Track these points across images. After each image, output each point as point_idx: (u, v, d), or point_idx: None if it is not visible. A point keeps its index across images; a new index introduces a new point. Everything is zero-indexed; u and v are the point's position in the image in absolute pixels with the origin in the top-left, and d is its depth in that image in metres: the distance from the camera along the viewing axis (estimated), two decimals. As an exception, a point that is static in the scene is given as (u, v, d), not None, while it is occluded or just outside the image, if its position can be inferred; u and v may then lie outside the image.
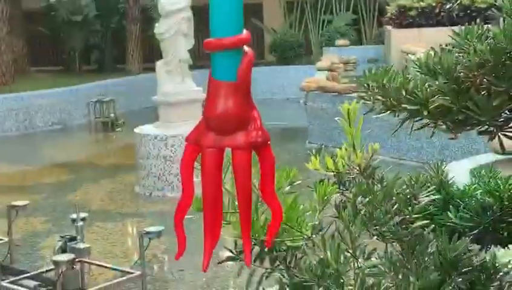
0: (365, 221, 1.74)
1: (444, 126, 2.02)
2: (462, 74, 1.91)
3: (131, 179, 10.24)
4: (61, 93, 15.83)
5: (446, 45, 2.11)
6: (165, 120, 9.66)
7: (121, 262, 6.89)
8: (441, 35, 15.61)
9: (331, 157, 2.05)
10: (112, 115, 14.48)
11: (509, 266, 1.90)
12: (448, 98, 1.88)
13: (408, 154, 10.57)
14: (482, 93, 1.90)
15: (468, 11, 14.85)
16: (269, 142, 1.25)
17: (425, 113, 1.99)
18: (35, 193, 10.08)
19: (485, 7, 14.40)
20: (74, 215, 6.31)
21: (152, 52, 19.51)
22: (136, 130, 9.86)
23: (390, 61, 16.00)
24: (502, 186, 2.32)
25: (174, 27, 9.45)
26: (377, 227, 1.75)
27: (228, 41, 1.20)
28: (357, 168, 1.88)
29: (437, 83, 1.92)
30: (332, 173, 1.89)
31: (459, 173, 6.86)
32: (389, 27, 16.27)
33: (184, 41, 9.60)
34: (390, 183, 1.89)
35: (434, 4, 15.15)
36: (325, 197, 1.79)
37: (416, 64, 2.04)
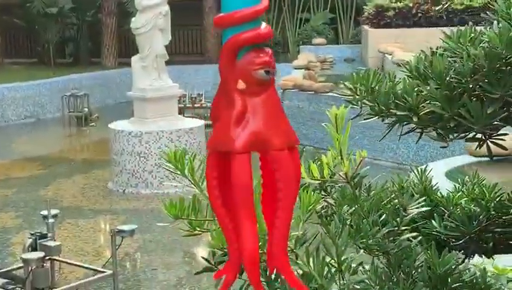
0: (352, 233, 1.66)
1: (434, 133, 1.94)
2: (454, 79, 1.83)
3: (105, 175, 10.09)
4: (35, 86, 15.58)
5: (437, 48, 2.03)
6: (140, 116, 9.52)
7: (93, 260, 6.77)
8: (418, 36, 15.71)
9: (314, 162, 1.96)
10: (86, 109, 14.28)
11: (500, 283, 1.84)
12: (439, 104, 1.81)
13: (384, 155, 10.55)
14: (475, 100, 1.82)
15: (445, 13, 14.91)
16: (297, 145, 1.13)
17: (415, 119, 1.91)
18: (6, 187, 9.89)
19: (461, 9, 14.46)
20: (45, 212, 6.16)
21: (128, 47, 19.30)
22: (110, 125, 9.71)
23: (367, 60, 16.01)
24: (487, 195, 2.25)
25: (151, 22, 9.32)
26: (364, 240, 1.67)
27: (241, 14, 1.06)
28: (344, 176, 1.80)
29: (428, 88, 1.84)
30: (317, 181, 1.80)
31: (436, 175, 6.84)
32: (366, 27, 16.28)
33: (161, 37, 9.48)
34: (378, 194, 1.81)
35: (411, 5, 15.18)
36: (310, 207, 1.70)
37: (406, 68, 1.96)
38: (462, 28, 2.10)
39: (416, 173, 2.35)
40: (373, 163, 9.62)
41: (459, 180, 2.37)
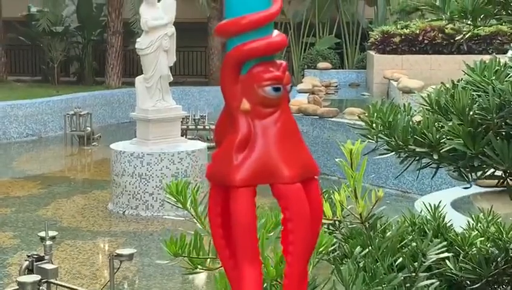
0: (367, 280, 1.53)
1: (456, 172, 1.83)
2: (478, 115, 1.72)
3: (105, 195, 9.97)
4: (37, 104, 15.51)
5: (458, 81, 1.92)
6: (142, 137, 9.42)
7: (90, 284, 6.63)
8: (424, 63, 15.64)
9: (325, 197, 1.84)
10: (88, 128, 14.19)
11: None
12: (462, 141, 1.69)
13: (388, 182, 10.42)
14: (501, 138, 1.70)
15: (452, 40, 14.86)
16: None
17: (435, 156, 1.80)
18: (5, 206, 9.77)
19: (468, 37, 14.38)
20: (43, 233, 6.03)
21: (132, 67, 19.27)
22: (112, 145, 9.60)
23: (372, 86, 15.94)
24: (505, 234, 2.13)
25: (156, 43, 9.26)
26: (379, 287, 1.54)
27: (248, 20, 0.92)
28: (359, 217, 1.68)
29: (450, 124, 1.73)
30: (330, 221, 1.68)
31: (441, 205, 6.70)
32: (372, 52, 16.23)
33: (166, 58, 9.41)
34: (394, 237, 1.69)
35: (417, 32, 15.14)
36: (321, 249, 1.58)
37: (426, 101, 1.85)
38: (486, 60, 1.99)
39: (429, 208, 2.24)
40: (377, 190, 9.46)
41: (473, 216, 2.25)
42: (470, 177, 1.82)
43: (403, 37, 15.21)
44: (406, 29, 15.32)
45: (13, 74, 20.23)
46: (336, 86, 17.17)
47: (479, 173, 1.75)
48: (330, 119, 11.40)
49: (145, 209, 9.08)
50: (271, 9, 0.94)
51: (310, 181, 0.95)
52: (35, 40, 19.96)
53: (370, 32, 17.07)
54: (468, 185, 1.74)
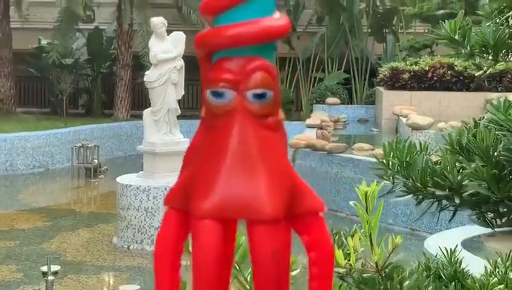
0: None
1: (478, 217, 1.71)
2: (503, 156, 1.61)
3: (110, 229, 9.85)
4: (45, 136, 15.48)
5: (480, 119, 1.81)
6: (149, 170, 9.33)
7: (93, 321, 6.47)
8: (433, 99, 15.55)
9: (338, 244, 1.73)
10: (95, 161, 14.13)
11: None
12: (486, 184, 1.58)
13: (397, 220, 10.26)
14: (528, 181, 1.59)
15: (461, 77, 14.81)
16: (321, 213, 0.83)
17: (457, 200, 1.68)
18: (9, 239, 9.65)
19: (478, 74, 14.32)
20: (45, 268, 5.92)
21: (141, 99, 19.29)
22: (118, 179, 9.51)
23: (381, 122, 15.85)
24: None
25: (164, 76, 9.23)
26: None
27: (236, 32, 0.76)
28: (375, 265, 1.56)
29: (472, 165, 1.62)
30: (343, 270, 1.57)
31: (452, 244, 6.55)
32: (381, 88, 16.18)
33: (174, 91, 9.37)
34: (412, 288, 1.57)
35: (426, 68, 15.10)
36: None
37: (447, 141, 1.74)
38: (496, 98, 1.88)
39: (445, 253, 2.12)
40: (387, 228, 9.34)
41: (490, 261, 2.13)
42: (495, 223, 1.70)
43: (412, 73, 15.17)
44: (416, 65, 15.28)
45: (21, 106, 20.27)
46: (345, 122, 17.09)
47: (504, 219, 1.63)
48: (338, 154, 11.28)
49: (150, 243, 8.94)
50: (276, 20, 0.79)
51: (251, 224, 0.77)
52: (44, 72, 20.04)
53: (379, 68, 17.05)
54: (493, 232, 1.61)
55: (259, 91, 0.77)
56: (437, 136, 10.89)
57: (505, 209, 1.63)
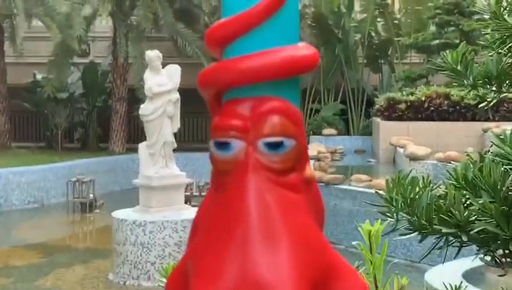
0: None
1: (488, 256, 1.63)
2: (512, 192, 1.53)
3: (106, 265, 9.69)
4: (40, 171, 15.37)
5: (485, 153, 1.74)
6: (145, 204, 9.22)
7: None
8: (430, 130, 15.55)
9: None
10: (91, 195, 14.01)
11: None
12: (494, 221, 1.50)
13: (396, 251, 10.13)
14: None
15: (457, 107, 14.81)
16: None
17: (465, 238, 1.60)
18: (4, 276, 9.51)
19: (474, 104, 14.34)
20: (39, 308, 5.77)
21: (137, 133, 19.23)
22: (113, 213, 9.39)
23: (378, 153, 15.80)
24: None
25: (160, 109, 9.17)
26: None
27: (250, 64, 0.63)
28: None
29: (480, 201, 1.54)
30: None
31: (453, 276, 6.44)
32: (377, 119, 16.16)
33: (170, 124, 9.30)
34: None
35: (423, 98, 15.10)
36: None
37: (452, 176, 1.67)
38: (493, 127, 1.80)
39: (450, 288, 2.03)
40: (385, 260, 9.18)
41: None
42: (505, 261, 1.62)
43: (408, 103, 15.16)
44: (412, 96, 15.29)
45: (16, 141, 20.18)
46: (342, 153, 17.04)
47: (515, 258, 1.55)
48: (336, 186, 11.20)
49: (146, 279, 8.80)
50: (301, 51, 0.65)
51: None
52: (39, 107, 20.01)
53: (375, 99, 17.04)
54: (503, 273, 1.53)
55: (272, 139, 0.63)
56: (435, 167, 10.82)
57: (515, 248, 1.54)
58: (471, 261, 6.37)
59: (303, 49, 0.65)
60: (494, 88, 1.94)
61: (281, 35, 0.64)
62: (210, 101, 0.67)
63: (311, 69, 0.67)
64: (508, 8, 1.86)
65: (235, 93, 0.65)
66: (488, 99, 2.03)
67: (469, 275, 6.63)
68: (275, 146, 0.63)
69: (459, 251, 1.76)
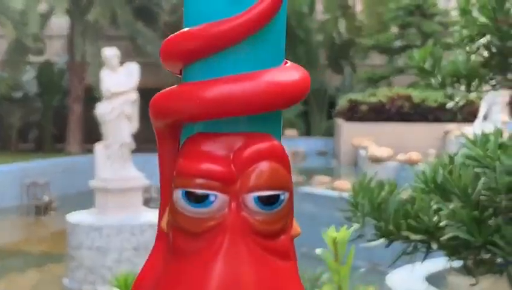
0: None
1: (461, 265, 1.53)
2: (484, 196, 1.43)
3: (61, 269, 9.44)
4: (-7, 172, 14.96)
5: (454, 155, 1.64)
6: (101, 207, 8.99)
7: None
8: (392, 131, 15.60)
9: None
10: (46, 198, 13.68)
11: None
12: (465, 227, 1.40)
13: (358, 255, 10.08)
14: (513, 224, 1.42)
15: (419, 109, 14.90)
16: None
17: (434, 246, 1.50)
18: (-48, 281, 9.19)
19: (435, 106, 14.46)
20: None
21: (94, 133, 18.90)
22: (68, 216, 9.14)
23: (340, 154, 15.79)
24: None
25: (118, 109, 8.96)
26: None
27: (222, 92, 0.48)
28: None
29: (450, 206, 1.44)
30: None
31: (416, 279, 6.40)
32: (340, 120, 16.16)
33: (128, 125, 9.10)
34: None
35: (385, 100, 15.15)
36: None
37: (420, 179, 1.57)
38: (454, 129, 1.70)
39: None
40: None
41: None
42: (476, 270, 1.52)
43: (370, 105, 15.20)
44: (374, 97, 15.33)
45: (-31, 141, 19.68)
46: (304, 154, 17.00)
47: (488, 269, 1.45)
48: (298, 188, 11.13)
49: (103, 283, 8.58)
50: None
51: None
52: (-7, 106, 19.56)
53: (337, 100, 17.07)
54: (475, 283, 1.43)
55: (267, 193, 0.49)
56: (397, 168, 10.83)
57: (488, 256, 1.45)
58: (432, 263, 6.35)
59: (292, 72, 0.53)
60: (462, 87, 1.85)
61: (264, 54, 0.52)
62: (161, 131, 0.54)
63: (303, 98, 0.55)
64: (476, 5, 1.77)
65: (205, 125, 0.50)
66: (456, 100, 1.94)
67: (431, 279, 6.61)
68: (269, 202, 0.50)
69: (425, 256, 1.67)
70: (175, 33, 0.51)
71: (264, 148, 0.49)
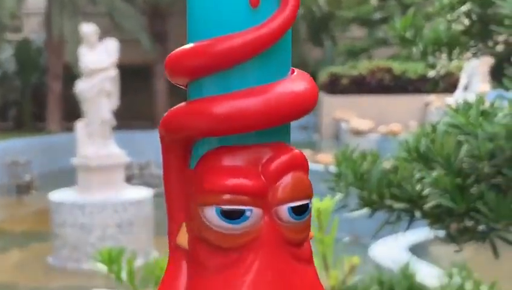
0: None
1: (444, 233, 1.54)
2: (467, 163, 1.44)
3: (45, 248, 9.41)
4: (-27, 152, 14.83)
5: (437, 123, 1.65)
6: (84, 185, 8.97)
7: None
8: (373, 103, 15.67)
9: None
10: (27, 176, 13.60)
11: None
12: (448, 195, 1.41)
13: (340, 227, 10.16)
14: (495, 190, 1.43)
15: (399, 81, 14.94)
16: None
17: (418, 214, 1.51)
18: None
19: (416, 78, 14.51)
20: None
21: (74, 111, 18.76)
22: (51, 195, 9.11)
23: (321, 128, 15.83)
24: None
25: (97, 86, 8.90)
26: None
27: (233, 109, 0.48)
28: (331, 290, 1.37)
29: (433, 174, 1.44)
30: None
31: (399, 250, 6.47)
32: (321, 94, 16.17)
33: (107, 102, 9.04)
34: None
35: (365, 72, 15.17)
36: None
37: (403, 148, 1.57)
38: (435, 100, 1.71)
39: (400, 267, 1.97)
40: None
41: (445, 272, 2.00)
42: (460, 237, 1.53)
43: (351, 78, 15.22)
44: (354, 69, 15.35)
45: None
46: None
47: (472, 236, 1.46)
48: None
49: (87, 262, 8.58)
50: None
51: None
52: (-29, 85, 19.32)
53: (317, 73, 17.05)
54: (459, 249, 1.44)
55: (299, 203, 0.50)
56: (379, 141, 10.88)
57: (471, 223, 1.46)
58: (415, 234, 6.39)
59: (301, 82, 0.51)
60: (444, 56, 1.85)
61: (274, 65, 0.51)
62: (169, 144, 0.52)
63: (314, 107, 0.53)
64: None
65: (221, 139, 0.50)
66: (437, 69, 1.94)
67: (415, 249, 6.68)
68: (299, 211, 0.51)
69: (409, 224, 1.68)
70: (181, 48, 0.50)
71: (289, 159, 0.51)
